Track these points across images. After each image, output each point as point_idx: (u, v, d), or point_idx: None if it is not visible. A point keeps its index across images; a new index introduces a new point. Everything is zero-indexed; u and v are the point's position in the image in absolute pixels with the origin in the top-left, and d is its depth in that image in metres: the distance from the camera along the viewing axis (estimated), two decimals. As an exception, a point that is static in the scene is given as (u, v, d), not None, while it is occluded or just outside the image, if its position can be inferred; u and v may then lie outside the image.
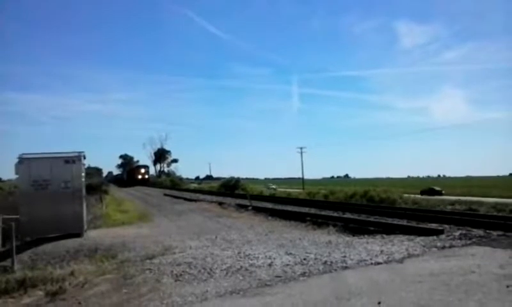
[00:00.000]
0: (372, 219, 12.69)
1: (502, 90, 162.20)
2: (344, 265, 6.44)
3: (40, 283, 6.69)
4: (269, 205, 19.90)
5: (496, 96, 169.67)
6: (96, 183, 33.44)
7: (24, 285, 6.63)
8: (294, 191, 37.45)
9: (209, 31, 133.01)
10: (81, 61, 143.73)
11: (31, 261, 9.11)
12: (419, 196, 23.41)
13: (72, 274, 7.07)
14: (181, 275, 6.34)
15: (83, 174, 12.40)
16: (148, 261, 7.70)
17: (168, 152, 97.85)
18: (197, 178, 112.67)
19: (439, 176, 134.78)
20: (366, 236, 9.57)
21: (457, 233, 9.09)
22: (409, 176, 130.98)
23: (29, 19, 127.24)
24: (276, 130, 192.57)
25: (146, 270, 6.91)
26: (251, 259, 7.13)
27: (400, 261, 6.50)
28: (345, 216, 13.77)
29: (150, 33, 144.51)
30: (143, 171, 78.25)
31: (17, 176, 11.61)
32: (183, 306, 4.89)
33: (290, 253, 7.55)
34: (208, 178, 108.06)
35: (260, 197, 28.03)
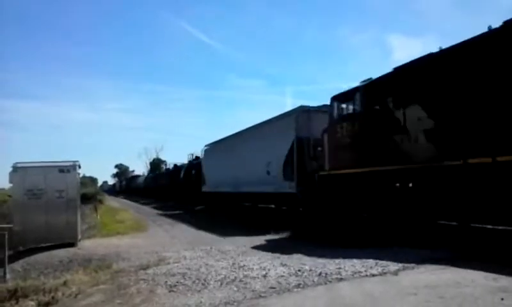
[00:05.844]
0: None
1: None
2: (339, 276, 6.42)
3: (32, 293, 6.62)
4: (265, 216, 19.82)
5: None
6: (91, 192, 33.29)
7: (15, 295, 6.58)
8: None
9: (203, 41, 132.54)
10: (76, 70, 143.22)
11: (23, 270, 9.03)
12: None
13: (64, 284, 7.01)
14: (175, 285, 6.29)
15: (78, 183, 12.37)
16: (142, 271, 7.64)
17: (163, 162, 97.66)
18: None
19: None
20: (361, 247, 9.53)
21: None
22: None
23: (23, 27, 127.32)
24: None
25: (140, 280, 6.85)
26: (246, 270, 7.09)
27: (395, 273, 6.48)
28: (340, 228, 13.74)
29: (144, 43, 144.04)
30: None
31: (11, 185, 11.57)
32: (177, 317, 4.85)
33: (285, 264, 7.51)
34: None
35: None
